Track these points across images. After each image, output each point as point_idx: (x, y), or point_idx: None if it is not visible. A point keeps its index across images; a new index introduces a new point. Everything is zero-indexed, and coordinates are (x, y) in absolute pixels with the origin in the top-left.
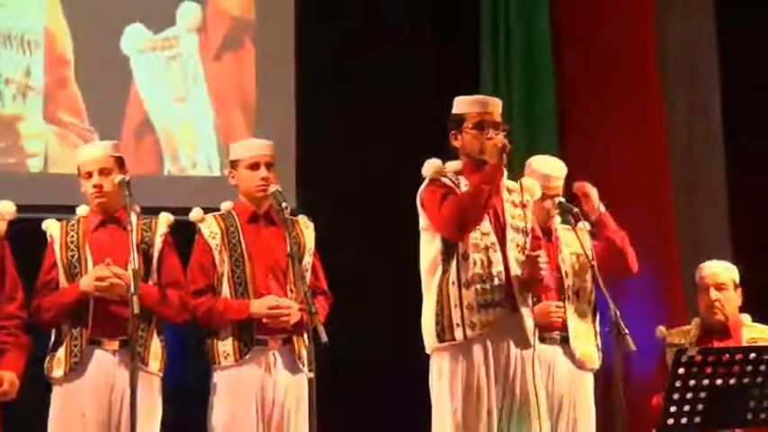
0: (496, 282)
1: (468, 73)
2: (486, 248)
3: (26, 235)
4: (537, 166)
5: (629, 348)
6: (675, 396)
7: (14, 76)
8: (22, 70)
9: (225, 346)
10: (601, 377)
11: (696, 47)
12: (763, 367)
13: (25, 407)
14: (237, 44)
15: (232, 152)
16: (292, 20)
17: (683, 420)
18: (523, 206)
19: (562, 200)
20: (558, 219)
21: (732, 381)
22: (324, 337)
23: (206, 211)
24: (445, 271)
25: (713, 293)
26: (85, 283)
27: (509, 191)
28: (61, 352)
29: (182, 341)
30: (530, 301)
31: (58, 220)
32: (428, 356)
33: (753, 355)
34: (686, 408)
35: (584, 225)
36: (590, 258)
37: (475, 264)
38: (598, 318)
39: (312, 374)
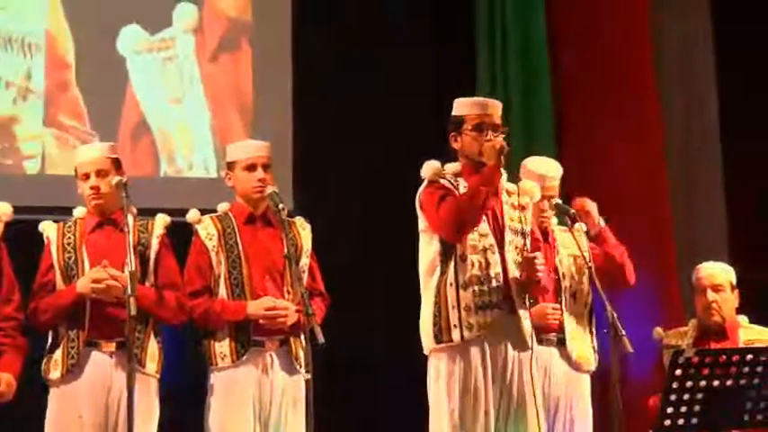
0: (494, 283)
1: (466, 74)
2: (485, 250)
3: (23, 236)
4: (532, 167)
5: (627, 350)
6: (672, 397)
7: (15, 79)
8: (22, 73)
9: (222, 348)
10: (598, 378)
11: (692, 47)
12: (759, 369)
13: (22, 409)
14: (234, 45)
15: (229, 153)
16: (289, 20)
17: (680, 422)
18: (522, 208)
19: (558, 201)
20: (554, 220)
21: (729, 382)
22: (321, 339)
23: (202, 212)
24: (443, 272)
25: (710, 295)
26: (82, 285)
27: (509, 193)
28: (58, 354)
29: (179, 342)
30: (527, 304)
31: (55, 221)
32: (426, 358)
33: (749, 357)
34: (683, 409)
35: (580, 226)
36: (587, 260)
37: (473, 265)
38: (595, 319)
39: (309, 375)
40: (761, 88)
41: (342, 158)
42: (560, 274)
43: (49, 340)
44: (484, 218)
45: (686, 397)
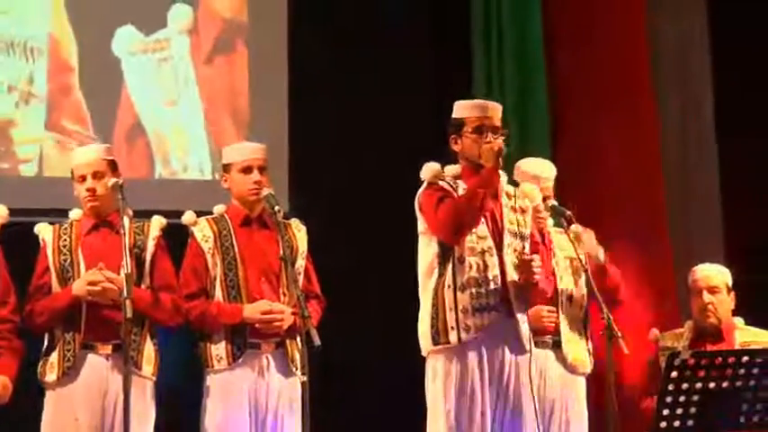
0: (492, 286)
1: (462, 75)
2: (483, 252)
3: (19, 239)
4: (526, 168)
5: (623, 352)
6: (668, 399)
7: (17, 83)
8: (24, 78)
9: (218, 350)
10: (593, 380)
11: (689, 47)
12: (755, 370)
13: (18, 411)
14: (229, 46)
15: (225, 156)
16: (285, 22)
17: (676, 424)
18: (522, 211)
19: (554, 203)
20: (550, 221)
21: (725, 384)
22: (317, 341)
23: (197, 214)
24: (441, 274)
25: (706, 297)
26: (78, 287)
27: (509, 196)
28: (54, 356)
29: (175, 345)
30: (526, 307)
31: (51, 223)
32: (422, 359)
33: (745, 359)
34: (679, 411)
35: (576, 228)
36: (583, 263)
37: (471, 267)
38: (590, 322)
39: (305, 378)
40: (757, 88)
41: (337, 160)
42: (558, 276)
43: (45, 343)
44: (483, 220)
45: (682, 399)
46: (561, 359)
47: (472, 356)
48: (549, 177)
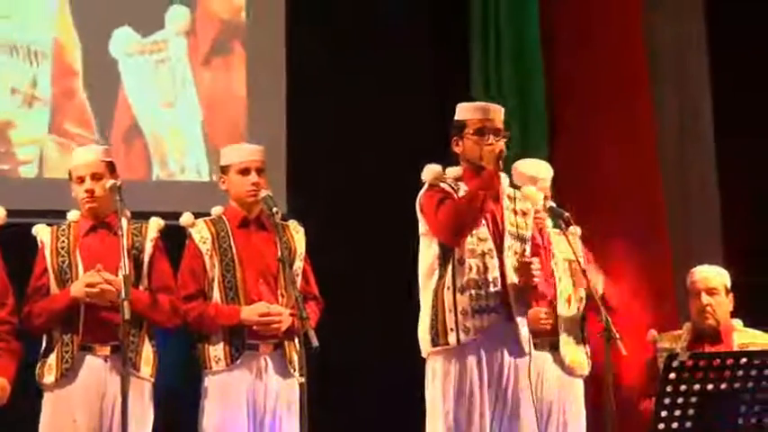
0: (491, 288)
1: (460, 76)
2: (483, 254)
3: (17, 240)
4: (523, 169)
5: (621, 353)
6: (666, 401)
7: (20, 86)
8: (28, 81)
9: (216, 351)
10: (591, 382)
11: (686, 48)
12: (754, 372)
13: (16, 413)
14: (227, 48)
15: (222, 157)
16: (283, 23)
17: (674, 425)
18: (524, 214)
19: (552, 204)
20: (549, 223)
21: (723, 386)
22: (315, 342)
23: (195, 216)
24: (441, 276)
25: (704, 298)
26: (76, 289)
27: (510, 198)
28: (52, 358)
29: (173, 346)
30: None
31: (49, 225)
32: (420, 361)
33: (744, 361)
34: (677, 413)
35: (575, 230)
36: (581, 264)
37: (470, 269)
38: (588, 323)
39: (303, 379)
40: (754, 89)
41: (335, 161)
42: (557, 277)
43: (44, 344)
44: (483, 222)
45: (680, 401)
46: (559, 361)
47: (471, 358)
48: (546, 178)
